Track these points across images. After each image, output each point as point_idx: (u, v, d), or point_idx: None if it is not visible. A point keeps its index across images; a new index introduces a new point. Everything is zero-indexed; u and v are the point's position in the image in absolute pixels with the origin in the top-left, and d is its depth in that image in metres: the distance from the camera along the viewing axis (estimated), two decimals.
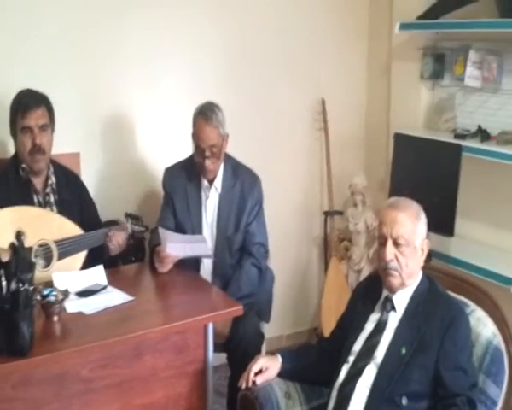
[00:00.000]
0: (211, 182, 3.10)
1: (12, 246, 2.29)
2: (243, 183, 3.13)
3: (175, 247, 2.91)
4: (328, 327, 3.65)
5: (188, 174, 3.14)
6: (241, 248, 3.15)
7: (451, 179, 3.34)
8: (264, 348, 3.10)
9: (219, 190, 3.12)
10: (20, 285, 2.15)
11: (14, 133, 2.94)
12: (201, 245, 2.94)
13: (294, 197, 4.20)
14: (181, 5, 3.60)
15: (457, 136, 3.52)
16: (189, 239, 2.99)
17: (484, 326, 2.26)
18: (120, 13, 3.44)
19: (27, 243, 2.58)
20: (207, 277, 3.10)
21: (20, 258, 2.21)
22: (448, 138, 3.52)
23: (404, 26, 3.71)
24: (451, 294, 2.34)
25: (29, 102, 2.89)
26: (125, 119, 3.57)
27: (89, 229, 2.94)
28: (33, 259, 2.62)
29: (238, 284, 3.02)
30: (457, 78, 3.62)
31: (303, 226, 4.28)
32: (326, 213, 4.16)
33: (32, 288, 2.18)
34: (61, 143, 3.13)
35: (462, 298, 2.37)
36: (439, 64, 3.73)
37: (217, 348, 2.78)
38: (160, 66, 3.60)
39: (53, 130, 2.99)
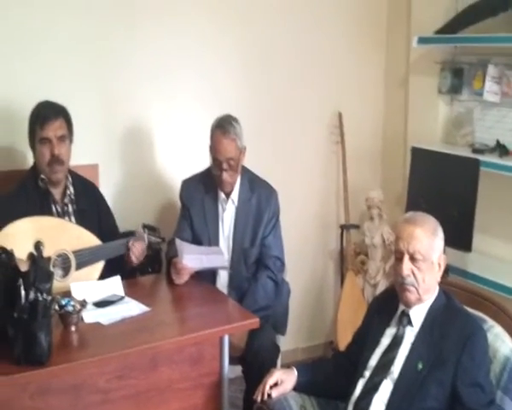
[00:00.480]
0: (228, 195, 3.12)
1: (31, 256, 2.32)
2: (260, 196, 3.14)
3: (192, 258, 2.92)
4: (343, 341, 3.64)
5: (205, 187, 3.15)
6: (257, 260, 3.15)
7: (469, 194, 3.32)
8: (279, 361, 3.09)
9: (236, 202, 3.13)
10: (39, 295, 2.17)
11: (32, 145, 2.97)
12: (218, 257, 2.95)
13: (311, 210, 4.20)
14: (199, 17, 3.63)
15: (475, 150, 3.51)
16: (205, 251, 3.00)
17: (502, 342, 2.24)
18: (138, 25, 3.47)
19: (46, 253, 2.62)
20: (223, 289, 3.10)
21: (39, 268, 2.23)
22: (466, 153, 3.51)
23: (422, 41, 3.71)
24: (469, 309, 2.32)
25: (47, 114, 2.92)
26: (142, 131, 3.60)
27: (107, 239, 2.96)
28: (51, 269, 2.63)
29: (254, 297, 3.02)
30: (476, 92, 3.61)
31: (319, 240, 4.28)
32: (342, 227, 4.15)
33: (50, 298, 2.20)
34: (80, 155, 3.17)
35: (480, 314, 2.35)
36: (458, 78, 3.72)
37: (232, 361, 2.78)
38: (178, 78, 3.63)
39: (71, 141, 3.01)
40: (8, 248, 2.40)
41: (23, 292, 2.17)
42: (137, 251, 2.95)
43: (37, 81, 3.23)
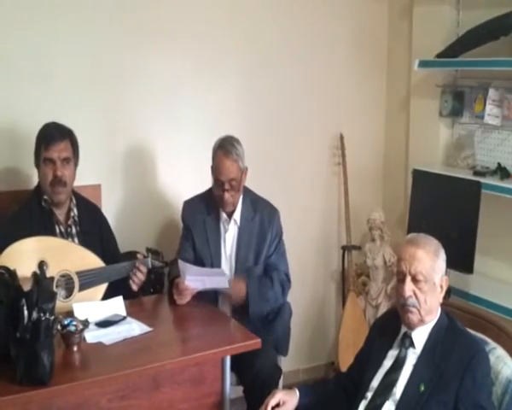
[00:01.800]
0: (230, 215, 3.13)
1: (34, 275, 2.32)
2: (262, 215, 3.15)
3: (194, 279, 2.92)
4: (345, 362, 3.63)
5: (207, 207, 3.16)
6: None
7: (471, 216, 3.33)
8: (281, 382, 3.09)
9: (238, 222, 3.14)
10: (42, 315, 2.17)
11: (37, 164, 2.98)
12: (220, 278, 2.95)
13: (312, 231, 4.21)
14: (201, 39, 3.67)
15: (477, 173, 3.53)
16: (208, 272, 3.00)
17: (504, 365, 2.24)
18: (141, 46, 3.50)
19: (49, 273, 2.63)
20: (226, 309, 3.10)
21: (42, 288, 2.24)
22: (467, 175, 3.52)
23: (423, 64, 3.74)
24: (471, 331, 2.32)
25: (53, 135, 2.93)
26: (145, 151, 3.62)
27: (108, 261, 2.96)
28: (55, 289, 2.64)
29: (264, 289, 3.06)
30: (477, 115, 3.63)
31: (321, 261, 4.28)
32: (344, 248, 4.16)
33: (52, 318, 2.21)
34: (83, 175, 3.17)
35: (482, 336, 2.35)
36: (459, 102, 3.75)
37: (234, 382, 2.78)
38: (180, 99, 3.66)
39: (76, 164, 3.02)
40: (12, 267, 2.41)
41: (26, 312, 2.17)
42: (138, 280, 2.96)
43: (42, 102, 3.25)
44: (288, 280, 3.21)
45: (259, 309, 3.05)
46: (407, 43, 4.09)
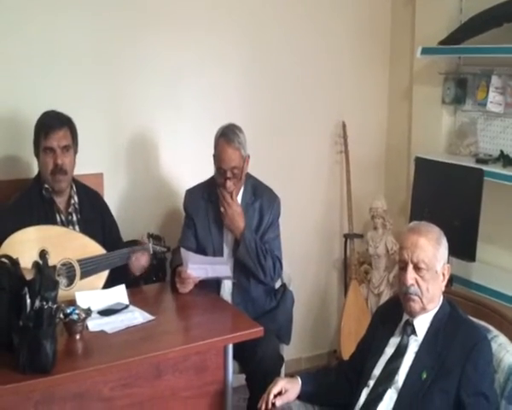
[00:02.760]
0: None
1: (36, 264, 2.32)
2: (262, 200, 3.15)
3: (196, 268, 2.92)
4: (347, 350, 3.64)
5: (209, 196, 3.16)
6: None
7: (473, 204, 3.32)
8: (283, 371, 3.09)
9: None
10: (44, 303, 2.17)
11: (37, 153, 2.98)
12: (223, 267, 2.96)
13: (314, 220, 4.21)
14: (203, 28, 3.65)
15: (479, 160, 3.52)
16: (210, 261, 3.00)
17: (506, 352, 2.24)
18: (143, 37, 3.48)
19: (51, 262, 2.62)
20: (228, 298, 3.11)
21: (44, 276, 2.24)
22: (470, 163, 3.51)
23: (425, 51, 3.72)
24: (473, 319, 2.32)
25: (52, 123, 2.93)
26: (147, 140, 3.61)
27: (110, 248, 2.97)
28: (56, 277, 2.64)
29: (259, 249, 3.06)
30: (479, 103, 3.62)
31: (323, 249, 4.28)
32: (346, 236, 4.16)
33: (55, 306, 2.21)
34: (85, 164, 3.18)
35: (484, 323, 2.35)
36: (461, 89, 3.74)
37: (236, 370, 2.79)
38: (182, 88, 3.64)
39: (76, 151, 3.02)
40: (14, 256, 2.41)
41: (28, 300, 2.18)
42: (139, 264, 2.97)
43: (43, 90, 3.24)
44: (280, 264, 3.18)
45: (248, 256, 3.02)
46: (410, 30, 4.07)
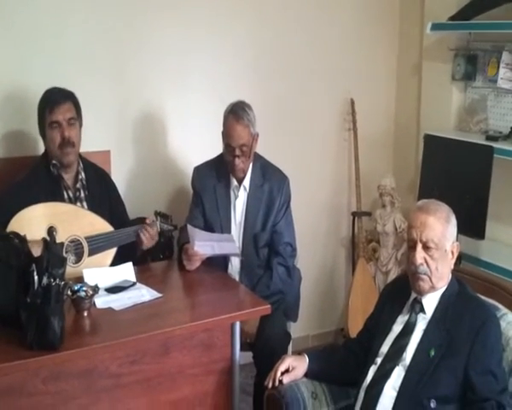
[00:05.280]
0: (240, 181, 3.11)
1: (44, 241, 2.32)
2: (272, 182, 3.13)
3: (203, 245, 2.92)
4: (354, 328, 3.65)
5: (217, 173, 3.14)
6: (267, 245, 3.14)
7: (482, 181, 3.30)
8: (290, 348, 3.10)
9: (248, 189, 3.12)
10: (52, 280, 2.17)
11: (42, 132, 2.98)
12: (230, 244, 2.95)
13: (322, 198, 4.19)
14: (212, 5, 3.62)
15: (489, 138, 3.49)
16: (217, 238, 2.99)
17: None
18: (150, 11, 3.46)
19: (59, 239, 2.63)
20: (235, 275, 3.11)
21: (52, 253, 2.24)
22: (479, 140, 3.49)
23: (435, 27, 3.68)
24: (482, 297, 2.31)
25: (56, 98, 2.93)
26: (154, 117, 3.60)
27: (117, 226, 2.97)
28: (64, 254, 2.64)
29: (266, 283, 3.03)
30: (490, 79, 3.59)
31: (331, 227, 4.27)
32: (354, 214, 4.14)
33: (63, 283, 2.21)
34: (92, 142, 3.18)
35: (493, 301, 2.34)
36: (472, 65, 3.70)
37: (243, 347, 2.79)
38: (191, 64, 3.62)
39: (81, 124, 3.02)
40: (22, 233, 2.41)
41: (36, 277, 2.18)
42: (149, 234, 2.96)
43: (50, 68, 3.23)
44: (293, 250, 3.18)
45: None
46: (419, 5, 4.01)
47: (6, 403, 2.20)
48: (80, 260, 2.80)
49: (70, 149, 2.93)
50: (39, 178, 2.96)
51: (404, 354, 2.20)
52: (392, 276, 3.91)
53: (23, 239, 2.38)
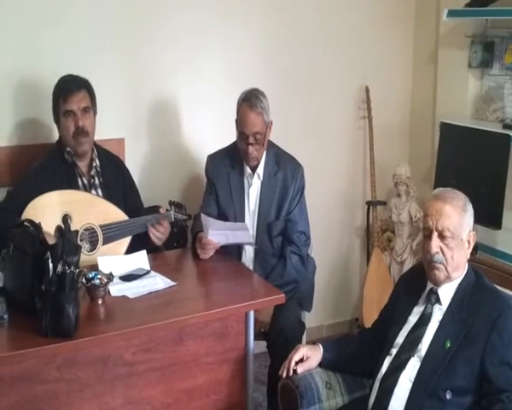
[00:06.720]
0: (254, 170, 3.09)
1: (59, 229, 2.33)
2: (286, 171, 3.11)
3: (217, 234, 2.91)
4: (369, 318, 3.63)
5: (231, 161, 3.13)
6: (281, 234, 3.13)
7: (499, 170, 3.27)
8: (304, 338, 3.09)
9: (262, 177, 3.11)
10: (66, 268, 2.17)
11: (57, 119, 2.98)
12: (244, 233, 2.94)
13: (337, 187, 4.17)
14: None
15: (506, 126, 3.45)
16: (231, 226, 2.98)
17: None
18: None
19: (73, 227, 2.63)
20: (249, 264, 3.10)
21: (67, 241, 2.24)
22: (496, 128, 3.45)
23: (452, 13, 3.63)
24: (498, 288, 2.29)
25: (70, 87, 2.93)
26: (169, 105, 3.59)
27: (131, 212, 2.97)
28: (79, 242, 2.65)
29: (280, 272, 3.02)
30: (507, 67, 3.55)
31: (345, 216, 4.25)
32: (369, 204, 4.11)
33: (77, 271, 2.21)
34: (106, 130, 3.18)
35: (510, 292, 2.32)
36: (488, 52, 3.65)
37: (257, 337, 2.79)
38: (205, 52, 3.60)
39: (95, 113, 3.02)
40: (36, 221, 2.41)
41: (51, 265, 2.18)
42: (158, 234, 2.96)
43: (63, 55, 3.22)
44: (307, 238, 3.17)
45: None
46: None
47: (21, 390, 2.21)
48: (95, 249, 2.81)
49: (84, 138, 2.93)
50: (54, 165, 2.96)
51: (420, 346, 2.18)
52: (407, 266, 3.88)
53: (38, 226, 2.39)
